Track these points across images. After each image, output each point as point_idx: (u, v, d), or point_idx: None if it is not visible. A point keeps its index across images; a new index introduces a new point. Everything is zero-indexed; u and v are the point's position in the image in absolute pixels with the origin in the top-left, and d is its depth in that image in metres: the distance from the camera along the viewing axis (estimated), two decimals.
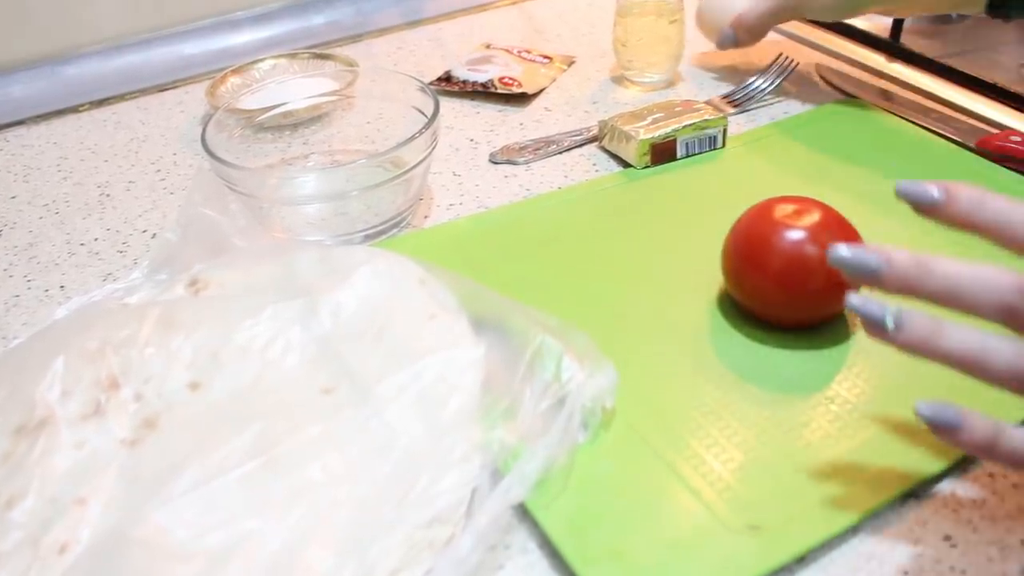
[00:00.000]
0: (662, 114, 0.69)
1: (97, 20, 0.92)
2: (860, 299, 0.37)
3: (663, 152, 0.67)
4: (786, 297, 0.49)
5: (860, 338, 0.50)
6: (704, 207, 0.62)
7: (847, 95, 0.77)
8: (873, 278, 0.37)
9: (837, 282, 0.49)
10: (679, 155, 0.68)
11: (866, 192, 0.62)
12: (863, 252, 0.37)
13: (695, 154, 0.68)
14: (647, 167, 0.67)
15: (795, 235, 0.48)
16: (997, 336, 0.35)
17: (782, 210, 0.49)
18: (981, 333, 0.35)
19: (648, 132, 0.67)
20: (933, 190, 0.37)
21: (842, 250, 0.37)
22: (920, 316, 0.36)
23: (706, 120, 0.68)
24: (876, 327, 0.36)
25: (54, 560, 0.37)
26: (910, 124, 0.71)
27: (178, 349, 0.47)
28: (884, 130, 0.70)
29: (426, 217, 0.65)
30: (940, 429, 0.36)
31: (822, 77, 0.80)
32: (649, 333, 0.52)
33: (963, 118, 0.72)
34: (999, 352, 0.35)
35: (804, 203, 0.50)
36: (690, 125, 0.67)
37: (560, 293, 0.55)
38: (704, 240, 0.55)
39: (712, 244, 0.53)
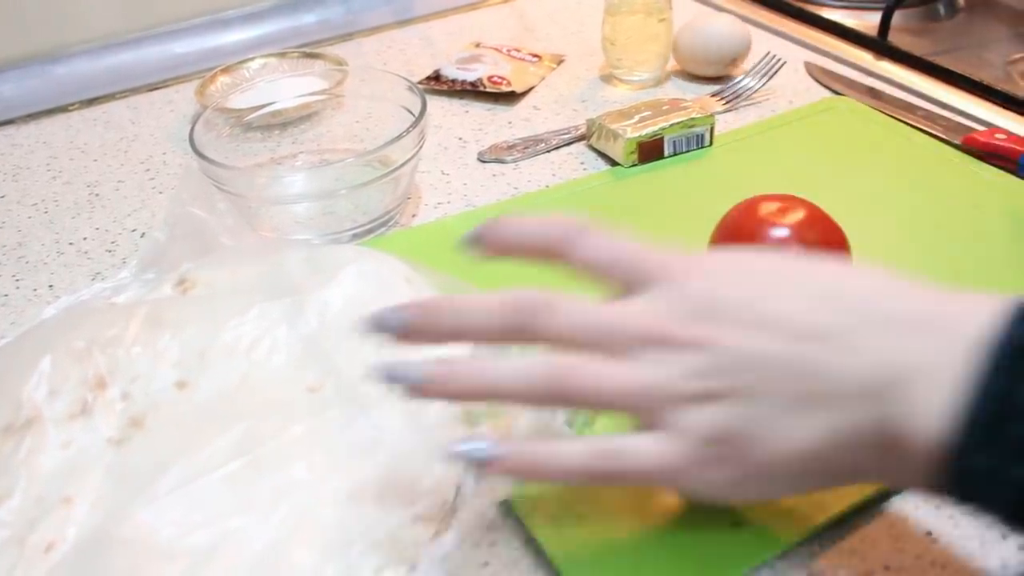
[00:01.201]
0: (649, 112, 0.69)
1: (87, 19, 0.92)
2: (386, 366, 0.36)
3: (650, 150, 0.67)
4: None
5: None
6: (691, 205, 0.63)
7: (835, 93, 0.77)
8: (408, 331, 0.37)
9: None
10: (666, 153, 0.68)
11: (853, 190, 0.63)
12: (392, 311, 0.37)
13: (682, 152, 0.68)
14: (634, 165, 0.68)
15: (779, 233, 0.48)
16: (507, 359, 0.36)
17: (767, 208, 0.49)
18: (484, 359, 0.36)
19: (635, 130, 0.67)
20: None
21: (379, 314, 0.37)
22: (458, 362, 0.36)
23: (693, 119, 0.68)
24: (411, 387, 0.36)
25: (40, 559, 0.38)
26: (897, 122, 0.71)
27: (165, 348, 0.47)
28: (871, 128, 0.71)
29: (414, 216, 0.65)
30: (479, 465, 0.35)
31: (811, 75, 0.80)
32: None
33: (950, 115, 0.72)
34: (509, 370, 0.35)
35: (789, 201, 0.50)
36: (677, 123, 0.67)
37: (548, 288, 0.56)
38: (691, 238, 0.54)
39: (699, 242, 0.53)
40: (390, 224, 0.64)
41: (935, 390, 0.30)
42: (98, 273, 0.62)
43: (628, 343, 0.35)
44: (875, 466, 0.33)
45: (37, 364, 0.45)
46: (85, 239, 0.66)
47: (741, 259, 0.37)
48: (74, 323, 0.48)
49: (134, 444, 0.43)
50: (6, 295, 0.61)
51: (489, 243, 0.39)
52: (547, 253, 0.38)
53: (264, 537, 0.38)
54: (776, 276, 0.35)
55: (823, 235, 0.49)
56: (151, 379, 0.46)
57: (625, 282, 0.37)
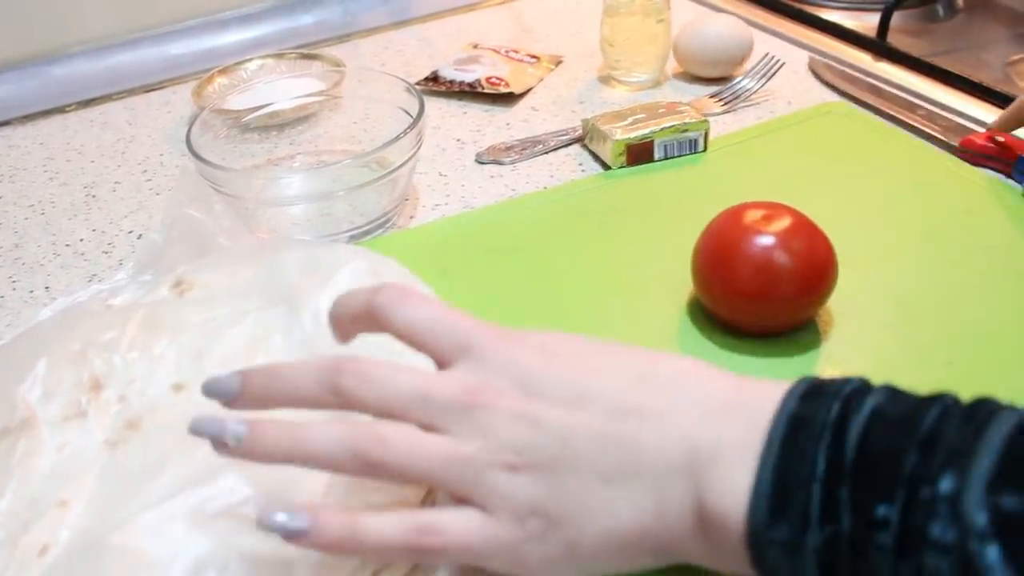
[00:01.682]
0: (644, 115, 0.69)
1: (84, 20, 0.92)
2: (201, 421, 0.35)
3: (640, 153, 0.67)
4: (754, 304, 0.49)
5: (829, 346, 0.50)
6: (681, 210, 0.62)
7: (837, 91, 0.77)
8: (230, 399, 0.36)
9: (806, 289, 0.49)
10: (657, 157, 0.68)
11: (845, 197, 0.62)
12: (223, 377, 0.36)
13: (674, 157, 0.68)
14: (622, 167, 0.67)
15: (764, 241, 0.48)
16: (323, 422, 0.35)
17: (752, 215, 0.49)
18: (302, 422, 0.35)
19: (625, 132, 0.67)
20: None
21: (209, 381, 0.36)
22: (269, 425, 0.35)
23: (686, 123, 0.67)
24: (222, 445, 0.35)
25: (33, 562, 0.37)
26: (892, 127, 0.71)
27: (162, 352, 0.47)
28: (866, 133, 0.70)
29: (412, 217, 0.65)
30: (290, 537, 0.34)
31: (814, 72, 0.80)
32: (618, 339, 0.51)
33: (950, 116, 0.72)
34: (320, 436, 0.34)
35: (774, 208, 0.49)
36: (668, 128, 0.67)
37: (535, 296, 0.56)
38: (677, 244, 0.54)
39: (685, 249, 0.52)
40: (388, 226, 0.63)
41: (736, 468, 0.31)
42: (94, 275, 0.62)
43: (441, 413, 0.34)
44: (698, 545, 0.33)
45: (32, 366, 0.45)
46: (82, 240, 0.66)
47: (559, 337, 0.37)
48: (70, 326, 0.48)
49: (130, 446, 0.43)
50: (2, 296, 0.61)
51: (333, 326, 0.39)
52: (371, 324, 0.37)
53: (263, 543, 0.37)
54: (592, 356, 0.36)
55: (808, 243, 0.49)
56: (147, 382, 0.45)
57: (441, 351, 0.36)
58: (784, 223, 0.48)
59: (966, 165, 0.65)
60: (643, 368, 0.35)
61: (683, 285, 0.53)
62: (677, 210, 0.63)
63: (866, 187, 0.64)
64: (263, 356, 0.46)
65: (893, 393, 0.31)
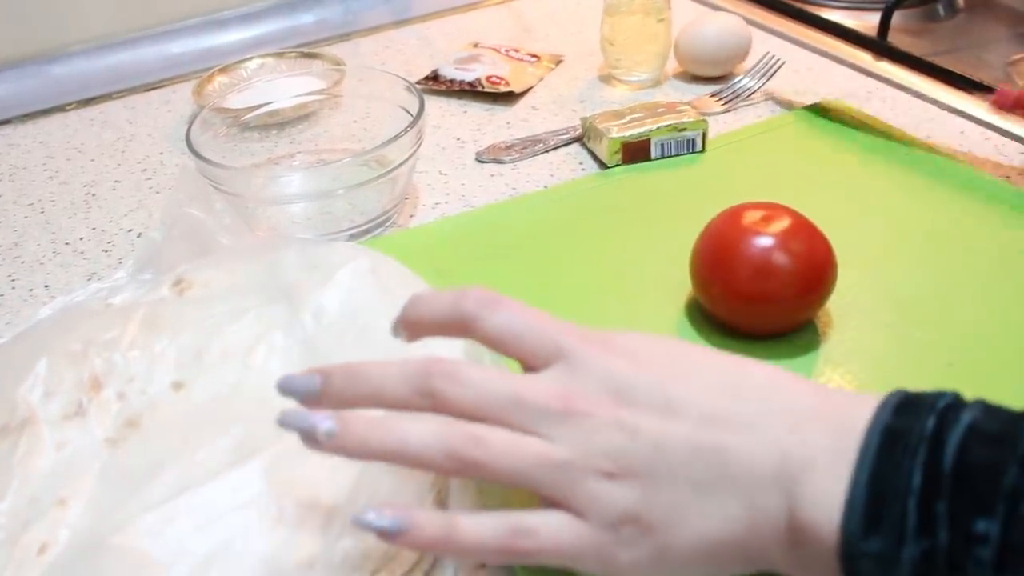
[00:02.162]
0: (642, 114, 0.69)
1: (84, 19, 0.92)
2: (290, 414, 0.36)
3: (636, 152, 0.67)
4: (753, 305, 0.49)
5: (829, 347, 0.50)
6: (679, 210, 0.62)
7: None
8: (310, 398, 0.36)
9: (805, 290, 0.49)
10: (654, 156, 0.68)
11: (845, 198, 0.62)
12: (300, 376, 0.37)
13: (671, 156, 0.68)
14: (617, 165, 0.67)
15: (763, 242, 0.48)
16: (410, 418, 0.35)
17: (750, 216, 0.49)
18: (390, 417, 0.35)
19: (621, 131, 0.67)
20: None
21: (285, 379, 0.37)
22: (358, 415, 0.35)
23: (684, 123, 0.67)
24: (311, 439, 0.35)
25: (32, 561, 0.37)
26: (893, 127, 0.70)
27: (162, 351, 0.47)
28: (866, 133, 0.70)
29: (411, 216, 0.65)
30: (388, 536, 0.34)
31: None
32: None
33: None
34: (416, 433, 0.34)
35: (773, 209, 0.49)
36: (666, 126, 0.67)
37: (534, 296, 0.54)
38: (676, 245, 0.54)
39: (683, 249, 0.52)
40: (387, 224, 0.63)
41: (830, 478, 0.31)
42: (94, 273, 0.62)
43: (536, 418, 0.34)
44: (788, 555, 0.32)
45: (33, 366, 0.45)
46: (81, 239, 0.66)
47: (648, 341, 0.37)
48: (70, 325, 0.48)
49: (130, 444, 0.43)
50: (1, 295, 0.61)
51: (406, 327, 0.38)
52: (457, 329, 0.37)
53: (262, 543, 0.37)
54: (681, 362, 0.36)
55: (807, 244, 0.48)
56: (147, 380, 0.45)
57: (533, 356, 0.36)
58: (783, 224, 0.48)
59: (966, 165, 0.64)
60: (731, 376, 0.35)
61: (682, 286, 0.53)
62: (676, 210, 0.63)
63: (865, 187, 0.63)
64: (263, 354, 0.46)
65: (987, 408, 0.31)
